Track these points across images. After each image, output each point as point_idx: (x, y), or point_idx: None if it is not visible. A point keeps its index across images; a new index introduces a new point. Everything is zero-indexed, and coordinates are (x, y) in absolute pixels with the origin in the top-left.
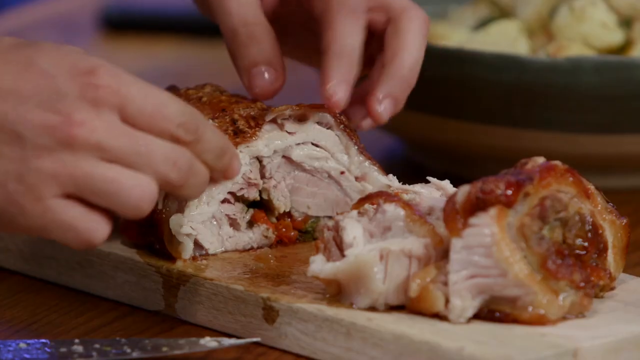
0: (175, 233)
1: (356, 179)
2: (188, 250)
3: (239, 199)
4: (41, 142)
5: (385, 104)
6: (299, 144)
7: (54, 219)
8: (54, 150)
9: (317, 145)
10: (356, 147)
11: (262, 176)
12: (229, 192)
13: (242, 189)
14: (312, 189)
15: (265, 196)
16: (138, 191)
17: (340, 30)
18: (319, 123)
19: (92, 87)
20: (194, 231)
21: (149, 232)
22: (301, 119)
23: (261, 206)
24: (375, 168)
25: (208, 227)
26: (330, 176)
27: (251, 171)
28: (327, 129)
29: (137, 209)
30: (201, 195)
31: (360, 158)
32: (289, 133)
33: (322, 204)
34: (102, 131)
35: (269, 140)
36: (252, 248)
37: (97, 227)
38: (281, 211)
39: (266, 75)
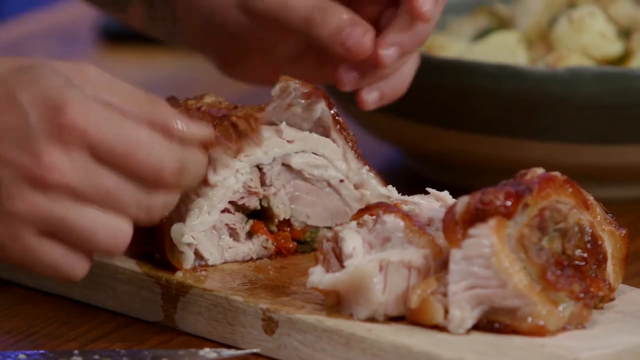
0: (176, 242)
1: (355, 187)
2: (189, 260)
3: (239, 208)
4: (13, 183)
5: (392, 50)
6: (298, 152)
7: (34, 258)
8: (25, 191)
9: (316, 154)
10: (354, 153)
11: (263, 184)
12: (230, 202)
13: (242, 197)
14: (312, 198)
15: (265, 204)
16: (111, 234)
17: None
18: (319, 118)
19: (59, 127)
20: (195, 241)
21: (149, 241)
22: (308, 106)
23: (261, 216)
24: (373, 175)
25: (209, 237)
26: (329, 185)
27: (252, 180)
28: (325, 136)
29: (111, 250)
30: (202, 204)
31: (358, 165)
32: (288, 142)
33: (322, 214)
34: (72, 174)
35: (268, 148)
36: (251, 259)
37: (77, 265)
38: (281, 218)
39: (355, 31)
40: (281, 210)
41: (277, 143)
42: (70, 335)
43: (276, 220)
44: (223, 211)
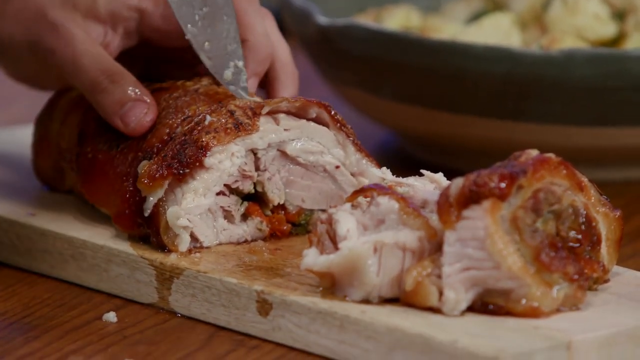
0: (172, 225)
1: (353, 175)
2: (185, 242)
3: (233, 191)
4: None
5: (251, 82)
6: (294, 139)
7: None
8: None
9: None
10: (353, 145)
11: (257, 169)
12: (224, 184)
13: (236, 181)
14: (307, 182)
15: (259, 189)
16: None
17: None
18: (315, 120)
19: None
20: (191, 223)
21: (146, 223)
22: (297, 115)
23: (256, 199)
24: (373, 165)
25: (204, 219)
26: (325, 170)
27: (246, 163)
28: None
29: None
30: (198, 187)
31: (358, 155)
32: (285, 130)
33: (317, 197)
34: None
35: (264, 133)
36: (245, 241)
37: None
38: (275, 203)
39: (137, 108)
40: (276, 195)
41: (273, 129)
42: (65, 317)
43: (270, 204)
44: (218, 194)
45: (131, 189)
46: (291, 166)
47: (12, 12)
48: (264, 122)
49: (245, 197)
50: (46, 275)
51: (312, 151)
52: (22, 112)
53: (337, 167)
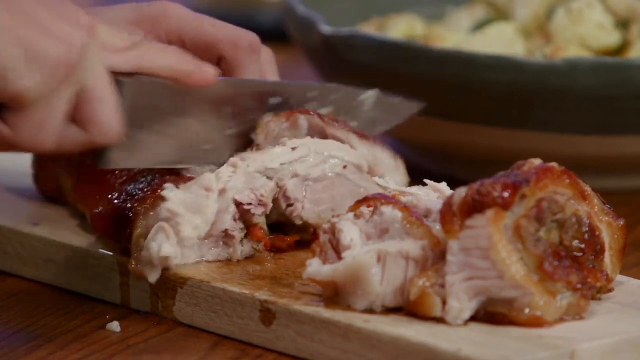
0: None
1: (369, 166)
2: (154, 275)
3: (243, 214)
4: None
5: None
6: (298, 159)
7: None
8: None
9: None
10: (357, 137)
11: (288, 204)
12: (238, 204)
13: (250, 203)
14: (328, 193)
15: (298, 221)
16: None
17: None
18: (309, 127)
19: None
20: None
21: (122, 234)
22: (292, 127)
23: (285, 229)
24: (381, 149)
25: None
26: (337, 174)
27: (264, 189)
28: (324, 137)
29: None
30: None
31: (365, 144)
32: (292, 149)
33: (341, 203)
34: None
35: (272, 156)
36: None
37: None
38: (320, 227)
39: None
40: (316, 219)
41: (282, 152)
42: (69, 326)
43: (312, 229)
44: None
45: (128, 205)
46: (309, 184)
47: None
48: (268, 148)
49: (270, 226)
50: (50, 285)
51: (314, 164)
52: None
53: (344, 166)
